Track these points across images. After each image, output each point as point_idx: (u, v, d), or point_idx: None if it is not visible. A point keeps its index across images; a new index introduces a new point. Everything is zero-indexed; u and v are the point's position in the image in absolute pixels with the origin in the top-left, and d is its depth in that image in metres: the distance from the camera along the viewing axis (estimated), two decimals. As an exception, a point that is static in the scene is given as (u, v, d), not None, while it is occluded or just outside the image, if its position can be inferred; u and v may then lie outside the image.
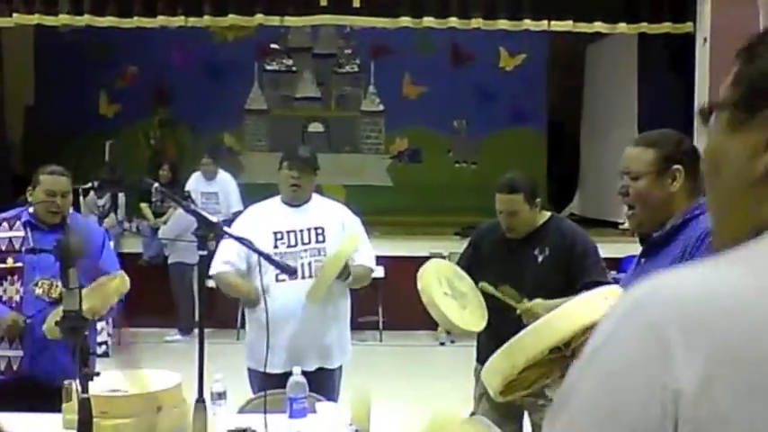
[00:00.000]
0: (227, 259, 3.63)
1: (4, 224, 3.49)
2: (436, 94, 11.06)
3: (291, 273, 3.08)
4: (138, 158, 10.78)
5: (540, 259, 3.45)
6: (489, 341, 3.13)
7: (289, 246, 3.65)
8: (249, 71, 11.42)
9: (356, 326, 4.53)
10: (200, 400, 2.51)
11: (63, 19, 7.47)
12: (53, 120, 10.48)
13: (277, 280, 3.55)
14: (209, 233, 2.53)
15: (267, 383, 3.28)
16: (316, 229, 3.69)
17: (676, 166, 2.30)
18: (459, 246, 4.44)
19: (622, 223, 7.05)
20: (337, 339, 3.75)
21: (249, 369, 3.69)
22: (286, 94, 11.61)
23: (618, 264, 7.07)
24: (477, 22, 7.53)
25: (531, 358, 2.26)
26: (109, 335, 7.36)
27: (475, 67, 11.04)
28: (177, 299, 8.00)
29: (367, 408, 2.80)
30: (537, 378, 2.46)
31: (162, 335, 7.90)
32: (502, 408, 3.28)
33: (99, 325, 6.70)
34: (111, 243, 4.46)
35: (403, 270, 7.33)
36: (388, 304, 7.90)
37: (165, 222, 8.28)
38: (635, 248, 2.50)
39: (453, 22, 7.52)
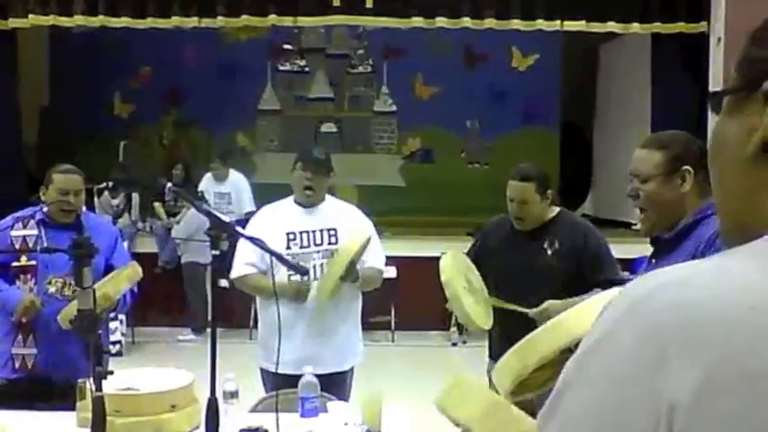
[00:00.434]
0: (248, 261, 3.62)
1: (19, 223, 3.51)
2: (449, 94, 11.04)
3: (304, 273, 3.08)
4: (151, 158, 10.80)
5: (549, 252, 3.45)
6: (501, 338, 3.13)
7: (301, 246, 3.65)
8: (262, 71, 11.43)
9: (368, 326, 4.53)
10: (213, 398, 2.52)
11: (78, 20, 7.52)
12: (68, 120, 10.53)
13: (289, 280, 3.56)
14: (222, 233, 2.54)
15: (279, 383, 3.28)
16: (329, 230, 3.69)
17: (685, 167, 2.28)
18: (472, 246, 4.44)
19: (635, 224, 7.00)
20: (349, 340, 3.75)
21: (261, 368, 3.70)
22: (299, 94, 11.61)
23: (630, 264, 7.03)
24: (489, 23, 7.52)
25: (543, 358, 2.24)
26: (123, 334, 7.40)
27: (487, 68, 11.01)
28: (190, 298, 8.03)
29: (378, 408, 2.80)
30: (548, 378, 2.45)
31: (175, 334, 7.95)
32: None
33: (113, 324, 6.75)
34: (125, 243, 4.48)
35: (415, 270, 7.35)
36: (400, 304, 7.89)
37: (178, 222, 8.31)
38: (648, 249, 2.49)
39: (466, 22, 7.51)
